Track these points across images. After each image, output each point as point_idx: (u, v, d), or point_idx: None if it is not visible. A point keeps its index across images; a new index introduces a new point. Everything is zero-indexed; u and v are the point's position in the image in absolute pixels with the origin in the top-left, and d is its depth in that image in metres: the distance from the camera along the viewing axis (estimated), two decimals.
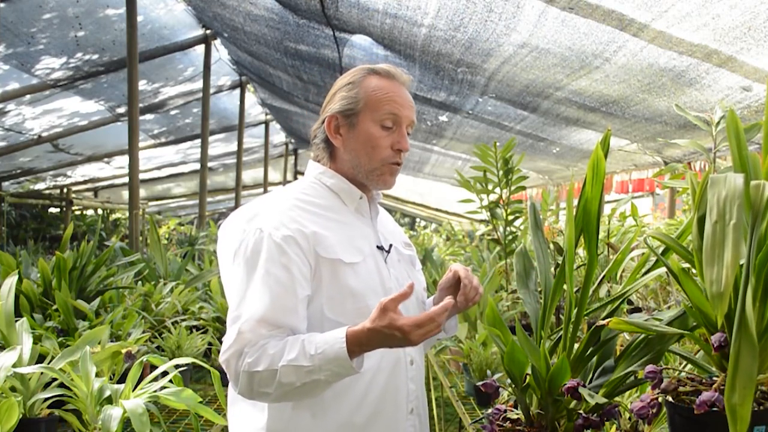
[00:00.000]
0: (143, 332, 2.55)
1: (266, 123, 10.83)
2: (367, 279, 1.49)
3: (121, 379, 1.90)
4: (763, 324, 1.05)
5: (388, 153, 1.52)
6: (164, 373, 1.79)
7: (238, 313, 1.37)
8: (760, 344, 1.05)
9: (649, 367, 1.16)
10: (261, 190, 12.40)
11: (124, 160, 8.98)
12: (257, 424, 1.45)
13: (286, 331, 1.37)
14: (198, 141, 7.50)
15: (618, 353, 1.36)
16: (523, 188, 3.12)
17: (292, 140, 13.13)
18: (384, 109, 1.51)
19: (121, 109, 7.14)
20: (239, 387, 1.36)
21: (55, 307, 2.55)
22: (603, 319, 1.23)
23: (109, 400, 1.75)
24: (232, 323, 1.38)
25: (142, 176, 7.93)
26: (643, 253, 1.45)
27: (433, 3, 3.22)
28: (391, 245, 1.61)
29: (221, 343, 1.42)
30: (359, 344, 1.30)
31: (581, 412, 1.29)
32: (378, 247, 1.56)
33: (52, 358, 1.94)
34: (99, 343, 2.12)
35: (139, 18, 4.85)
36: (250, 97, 9.17)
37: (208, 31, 6.31)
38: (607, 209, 3.37)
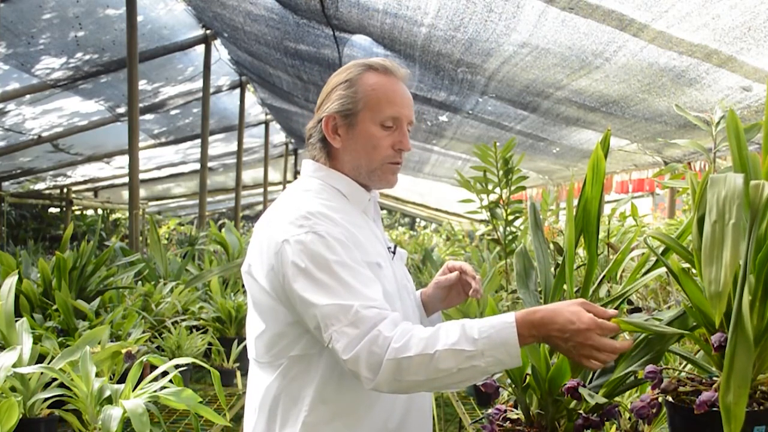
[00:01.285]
0: (143, 332, 2.54)
1: (266, 123, 10.81)
2: (392, 281, 1.46)
3: (121, 379, 1.90)
4: (764, 324, 1.05)
5: (388, 153, 1.46)
6: (164, 373, 1.79)
7: (332, 310, 1.26)
8: (760, 344, 1.05)
9: (649, 367, 1.16)
10: (261, 190, 12.39)
11: (124, 160, 8.96)
12: None
13: (387, 308, 1.29)
14: (198, 141, 7.49)
15: None
16: (523, 188, 3.11)
17: (292, 140, 13.13)
18: (384, 109, 1.44)
19: (121, 109, 7.14)
20: (378, 377, 1.23)
21: (55, 307, 2.54)
22: None
23: (109, 400, 1.75)
24: (335, 322, 1.25)
25: (142, 176, 7.91)
26: (643, 253, 1.45)
27: (433, 3, 3.22)
28: (396, 245, 1.60)
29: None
30: (529, 327, 1.21)
31: (581, 412, 1.29)
32: (387, 247, 1.55)
33: (52, 358, 1.94)
34: (99, 343, 2.12)
35: (139, 18, 4.84)
36: (250, 97, 9.16)
37: (208, 31, 6.30)
38: (607, 209, 3.36)
